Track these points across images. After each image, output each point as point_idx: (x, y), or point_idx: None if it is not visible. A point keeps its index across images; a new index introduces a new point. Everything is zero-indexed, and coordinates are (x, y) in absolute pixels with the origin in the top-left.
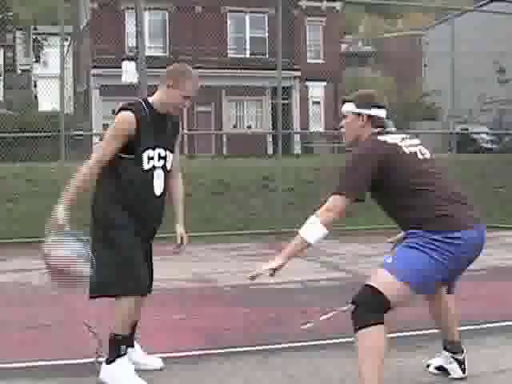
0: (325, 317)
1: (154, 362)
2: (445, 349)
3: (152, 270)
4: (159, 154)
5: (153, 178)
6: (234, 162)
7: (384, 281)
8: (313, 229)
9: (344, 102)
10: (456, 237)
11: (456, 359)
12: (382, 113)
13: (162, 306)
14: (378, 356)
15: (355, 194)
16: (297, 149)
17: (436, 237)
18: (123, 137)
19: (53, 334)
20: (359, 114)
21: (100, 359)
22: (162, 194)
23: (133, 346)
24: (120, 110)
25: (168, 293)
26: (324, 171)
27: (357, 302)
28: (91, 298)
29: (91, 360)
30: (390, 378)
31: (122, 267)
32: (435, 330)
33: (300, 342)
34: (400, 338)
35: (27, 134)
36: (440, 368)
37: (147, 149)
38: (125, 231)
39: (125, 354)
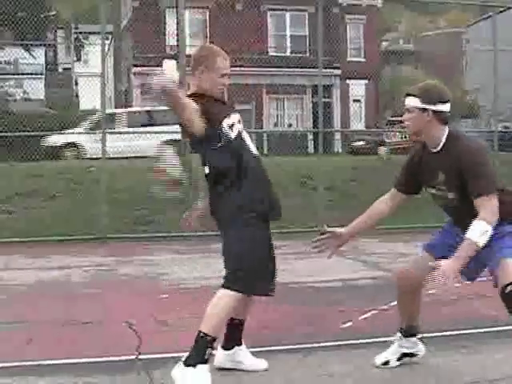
0: (364, 316)
1: (260, 363)
2: (407, 336)
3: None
4: (237, 119)
5: (244, 141)
6: (275, 160)
7: None
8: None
9: (408, 95)
10: None
11: (420, 339)
12: (447, 107)
13: (202, 303)
14: None
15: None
16: (338, 147)
17: None
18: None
19: (93, 332)
20: (425, 110)
21: (140, 356)
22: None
23: (241, 344)
24: None
25: (208, 290)
26: (364, 170)
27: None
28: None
29: (132, 358)
30: (427, 377)
31: (256, 265)
32: (474, 330)
33: (340, 340)
34: (438, 337)
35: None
36: (401, 358)
37: (224, 118)
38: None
39: (207, 360)
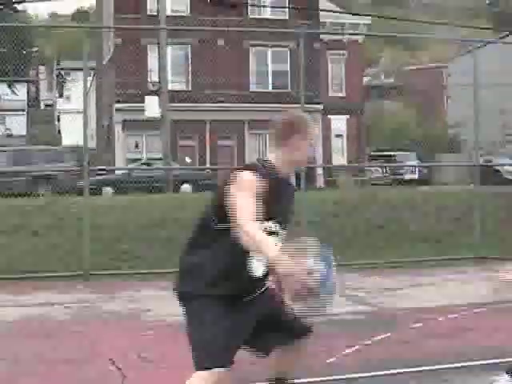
0: (348, 351)
1: None
2: None
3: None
4: (270, 228)
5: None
6: None
7: None
8: None
9: None
10: None
11: None
12: None
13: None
14: None
15: None
16: (320, 182)
17: None
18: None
19: (77, 369)
20: None
21: None
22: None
23: None
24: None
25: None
26: (348, 204)
27: None
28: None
29: None
30: None
31: (207, 339)
32: (459, 364)
33: (324, 376)
34: (425, 371)
35: (51, 169)
36: None
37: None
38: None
39: None
